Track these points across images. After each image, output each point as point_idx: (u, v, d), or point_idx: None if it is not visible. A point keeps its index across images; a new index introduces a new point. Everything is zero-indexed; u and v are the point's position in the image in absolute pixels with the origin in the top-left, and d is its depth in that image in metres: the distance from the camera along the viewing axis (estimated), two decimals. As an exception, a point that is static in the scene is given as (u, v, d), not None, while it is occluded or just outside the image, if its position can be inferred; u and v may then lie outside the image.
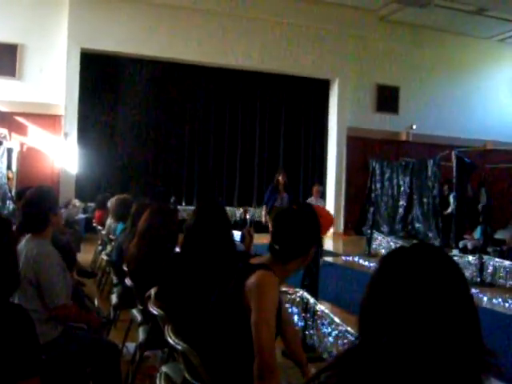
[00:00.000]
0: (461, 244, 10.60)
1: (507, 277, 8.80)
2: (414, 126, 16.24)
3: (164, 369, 2.79)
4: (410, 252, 1.32)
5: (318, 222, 2.46)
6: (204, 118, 15.18)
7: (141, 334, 3.75)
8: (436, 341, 1.21)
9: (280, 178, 9.75)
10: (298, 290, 4.97)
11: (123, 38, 13.51)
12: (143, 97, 14.36)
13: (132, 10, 13.63)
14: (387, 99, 16.24)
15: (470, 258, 9.37)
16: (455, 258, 9.45)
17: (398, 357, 1.21)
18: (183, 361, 2.49)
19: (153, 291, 3.25)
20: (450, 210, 12.43)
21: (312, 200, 10.15)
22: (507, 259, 9.31)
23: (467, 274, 9.37)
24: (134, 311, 4.07)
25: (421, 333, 1.21)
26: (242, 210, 14.55)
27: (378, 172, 15.31)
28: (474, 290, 8.68)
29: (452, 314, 1.23)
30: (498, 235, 11.72)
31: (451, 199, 12.44)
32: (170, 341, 2.57)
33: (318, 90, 16.10)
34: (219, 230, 3.09)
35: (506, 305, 7.87)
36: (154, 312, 3.06)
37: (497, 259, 9.24)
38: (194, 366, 2.35)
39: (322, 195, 15.14)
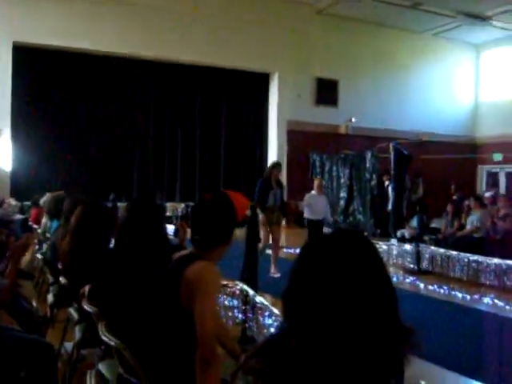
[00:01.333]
0: (399, 233, 10.85)
1: (443, 264, 9.08)
2: (353, 119, 16.51)
3: (98, 366, 2.75)
4: (328, 238, 1.34)
5: (233, 209, 2.49)
6: (144, 112, 14.99)
7: (77, 333, 3.68)
8: (354, 322, 1.23)
9: (275, 172, 8.88)
10: (237, 282, 4.98)
11: (56, 31, 13.17)
12: (79, 91, 14.05)
13: (63, 3, 13.30)
14: (326, 92, 16.44)
15: (408, 246, 9.62)
16: (393, 247, 9.69)
17: (317, 340, 1.23)
18: (117, 357, 2.46)
19: (87, 288, 3.20)
20: (388, 200, 12.70)
21: (313, 194, 9.47)
22: (442, 247, 9.60)
23: (405, 262, 9.63)
24: (71, 310, 3.99)
25: (339, 315, 1.23)
26: (183, 205, 14.45)
27: (318, 165, 15.50)
28: (411, 278, 8.93)
29: (369, 296, 1.26)
30: (434, 224, 12.07)
31: (390, 190, 12.71)
32: (103, 338, 2.53)
33: (258, 83, 16.16)
34: (151, 224, 3.06)
35: (442, 291, 8.12)
36: (88, 309, 3.01)
37: (433, 247, 9.52)
38: (128, 362, 2.32)
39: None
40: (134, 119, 14.86)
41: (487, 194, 13.13)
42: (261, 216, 8.29)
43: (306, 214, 9.44)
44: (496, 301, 7.55)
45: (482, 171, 18.58)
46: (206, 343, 2.15)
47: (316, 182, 9.67)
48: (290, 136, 15.88)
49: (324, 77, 16.48)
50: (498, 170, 18.08)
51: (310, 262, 1.29)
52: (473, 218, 10.25)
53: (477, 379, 4.73)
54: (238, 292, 5.01)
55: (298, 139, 15.74)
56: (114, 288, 2.98)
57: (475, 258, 8.56)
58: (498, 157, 17.06)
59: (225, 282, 5.15)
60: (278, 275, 8.34)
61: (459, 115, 18.59)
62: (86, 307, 3.03)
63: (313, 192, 9.58)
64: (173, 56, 14.57)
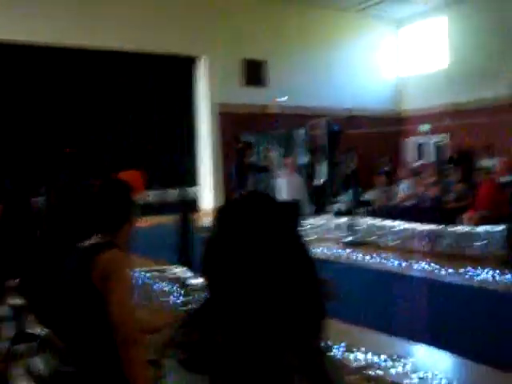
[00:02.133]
0: (334, 207, 11.06)
1: (377, 234, 9.32)
2: (283, 99, 16.59)
3: (33, 361, 2.71)
4: (239, 203, 1.33)
5: (124, 188, 2.57)
6: (67, 101, 14.54)
7: (10, 330, 3.59)
8: (272, 290, 1.24)
9: (247, 155, 7.85)
10: (173, 266, 4.96)
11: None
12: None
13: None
14: (255, 73, 16.44)
15: (343, 219, 9.82)
16: (329, 221, 9.86)
17: (239, 308, 1.23)
18: (49, 349, 2.43)
19: (12, 283, 3.12)
20: (321, 176, 12.90)
21: (284, 174, 8.80)
22: (375, 218, 9.86)
23: (341, 234, 9.83)
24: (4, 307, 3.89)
25: (256, 283, 1.23)
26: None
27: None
28: (348, 250, 9.13)
29: (285, 263, 1.26)
30: (368, 196, 12.36)
31: (321, 166, 12.92)
32: (33, 330, 2.50)
33: (185, 67, 15.96)
34: (71, 212, 3.02)
35: (377, 260, 8.35)
36: (17, 304, 2.94)
37: (367, 218, 9.76)
38: (58, 351, 2.30)
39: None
40: (57, 109, 14.40)
41: (416, 164, 13.55)
42: None
43: (279, 196, 8.79)
44: (428, 265, 7.84)
45: (411, 142, 19.08)
46: (122, 326, 2.21)
47: (287, 161, 9.10)
48: (222, 118, 15.81)
49: (252, 58, 16.46)
50: (426, 140, 18.61)
51: (223, 229, 1.28)
52: (403, 187, 10.56)
53: (410, 339, 4.91)
54: (174, 276, 5.00)
55: (229, 121, 15.70)
56: (43, 280, 2.93)
57: (407, 225, 8.83)
58: (425, 128, 17.59)
59: (160, 267, 5.12)
60: None
61: (385, 89, 18.96)
62: (15, 301, 2.96)
63: (284, 172, 8.91)
64: (95, 43, 14.19)
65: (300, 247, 1.30)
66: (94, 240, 2.43)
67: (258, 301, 1.22)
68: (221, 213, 1.32)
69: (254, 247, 1.23)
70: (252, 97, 16.22)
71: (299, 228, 1.69)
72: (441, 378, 3.90)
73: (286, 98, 16.45)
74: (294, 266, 1.26)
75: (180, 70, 15.94)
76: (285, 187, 8.48)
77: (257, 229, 1.25)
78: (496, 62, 15.72)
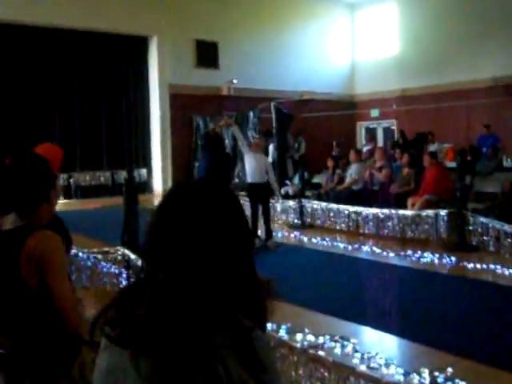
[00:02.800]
0: (282, 191, 11.10)
1: (325, 217, 9.41)
2: (235, 81, 16.50)
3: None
4: (187, 187, 1.33)
5: (41, 164, 2.34)
6: (18, 80, 14.09)
7: None
8: (210, 274, 1.22)
9: (220, 125, 7.11)
10: (118, 247, 4.88)
11: None
12: None
13: None
14: (207, 55, 16.27)
15: (291, 202, 9.87)
16: (277, 204, 9.88)
17: (174, 288, 1.21)
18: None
19: None
20: (270, 159, 12.92)
21: (249, 154, 8.37)
22: (324, 201, 9.95)
23: (289, 217, 9.88)
24: None
25: (195, 264, 1.22)
26: (65, 175, 13.88)
27: (202, 127, 15.43)
28: (296, 233, 9.19)
29: (226, 246, 1.25)
30: (316, 180, 12.47)
31: (271, 149, 12.94)
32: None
33: (137, 47, 15.66)
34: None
35: (324, 243, 8.44)
36: None
37: (314, 202, 9.83)
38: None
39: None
40: (7, 87, 13.94)
41: (365, 149, 13.72)
42: None
43: (246, 177, 8.60)
44: (374, 248, 7.97)
45: (361, 127, 19.33)
46: (70, 315, 2.17)
47: (256, 141, 8.77)
48: (173, 100, 15.62)
49: (204, 39, 16.29)
50: (376, 125, 18.89)
51: (166, 212, 1.27)
52: (351, 171, 10.68)
53: (356, 321, 4.99)
54: (119, 257, 4.92)
55: (181, 103, 15.53)
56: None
57: (354, 209, 8.94)
58: (375, 113, 17.85)
59: (106, 249, 5.04)
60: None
61: (337, 74, 19.09)
62: None
63: (250, 152, 8.51)
64: (45, 20, 13.75)
65: (240, 232, 1.29)
66: (11, 222, 2.28)
67: (190, 278, 1.20)
68: (166, 196, 1.32)
69: (192, 229, 1.22)
70: (204, 78, 16.07)
71: (242, 213, 1.64)
72: (382, 358, 3.96)
73: (237, 80, 16.38)
74: (231, 248, 1.25)
75: (131, 50, 15.64)
76: (253, 167, 8.24)
77: (198, 212, 1.24)
78: (444, 49, 16.02)
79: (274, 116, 12.22)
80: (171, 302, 1.20)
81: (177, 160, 15.50)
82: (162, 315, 1.20)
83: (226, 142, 14.53)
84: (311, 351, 3.76)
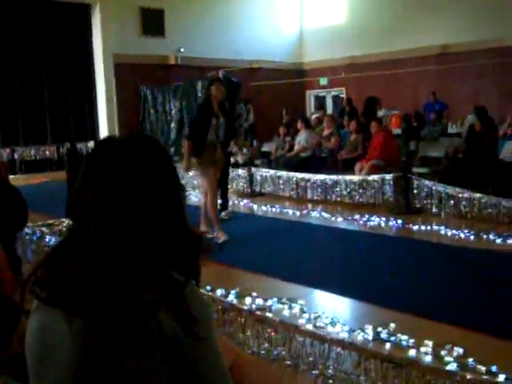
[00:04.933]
0: (232, 159, 11.07)
1: (274, 185, 9.46)
2: (182, 49, 16.24)
3: None
4: (113, 139, 1.33)
5: None
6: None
7: None
8: (139, 226, 1.22)
9: (215, 91, 6.52)
10: (63, 219, 4.80)
11: None
12: None
13: None
14: (152, 22, 15.92)
15: (240, 171, 9.88)
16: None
17: (104, 244, 1.20)
18: None
19: None
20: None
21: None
22: (273, 169, 10.00)
23: (238, 186, 9.91)
24: None
25: (123, 217, 1.21)
26: (8, 149, 13.47)
27: (149, 98, 15.19)
28: (245, 201, 9.23)
29: (156, 200, 1.24)
30: (266, 148, 12.49)
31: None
32: None
33: (79, 16, 15.17)
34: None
35: (274, 210, 8.52)
36: None
37: (264, 170, 9.87)
38: None
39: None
40: None
41: (314, 116, 13.80)
42: (194, 161, 6.51)
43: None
44: (323, 213, 8.10)
45: (310, 95, 19.40)
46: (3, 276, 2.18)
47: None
48: (118, 69, 15.27)
49: (149, 6, 15.92)
50: (325, 93, 18.98)
51: (96, 162, 1.26)
52: (300, 138, 10.74)
53: (304, 284, 5.07)
54: (64, 229, 4.85)
55: (127, 72, 15.21)
56: None
57: (302, 175, 9.02)
58: (324, 81, 17.91)
59: (50, 221, 4.95)
60: (223, 239, 6.49)
61: (286, 42, 19.01)
62: None
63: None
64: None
65: (168, 184, 1.29)
66: None
67: (119, 231, 1.20)
68: (94, 148, 1.31)
69: (119, 180, 1.22)
70: (150, 47, 15.76)
71: (170, 166, 1.62)
72: (328, 317, 4.05)
73: (184, 49, 16.14)
74: (159, 200, 1.25)
75: (73, 18, 15.12)
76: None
77: (125, 162, 1.24)
78: (393, 17, 16.12)
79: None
80: (101, 258, 1.20)
81: (124, 131, 15.24)
82: (91, 271, 1.19)
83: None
84: (258, 313, 3.82)
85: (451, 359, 3.29)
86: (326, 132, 10.73)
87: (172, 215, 1.28)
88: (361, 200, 8.41)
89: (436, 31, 14.98)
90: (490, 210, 7.28)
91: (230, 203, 8.79)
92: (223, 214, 7.88)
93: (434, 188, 7.73)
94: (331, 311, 4.29)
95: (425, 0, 15.28)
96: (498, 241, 6.34)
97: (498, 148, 8.41)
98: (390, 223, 7.39)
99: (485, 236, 6.53)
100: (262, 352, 3.62)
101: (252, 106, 14.17)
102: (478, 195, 7.40)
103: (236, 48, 17.11)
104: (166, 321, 1.16)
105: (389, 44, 15.86)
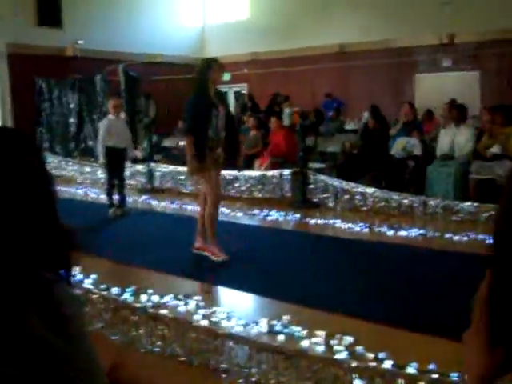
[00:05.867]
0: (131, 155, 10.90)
1: (173, 181, 9.39)
2: (81, 41, 15.75)
3: None
4: None
5: None
6: None
7: None
8: (4, 225, 1.17)
9: (215, 74, 5.52)
10: None
11: None
12: None
13: None
14: (49, 13, 15.30)
15: (140, 166, 9.73)
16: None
17: None
18: None
19: None
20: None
21: (111, 118, 7.71)
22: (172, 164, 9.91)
23: (138, 182, 9.75)
24: None
25: None
26: None
27: (45, 91, 14.60)
28: (144, 196, 9.10)
29: (19, 195, 1.19)
30: (166, 143, 12.37)
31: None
32: None
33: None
34: None
35: (173, 205, 8.46)
36: None
37: (163, 165, 9.77)
38: None
39: None
40: None
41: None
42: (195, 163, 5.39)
43: (107, 142, 7.73)
44: (223, 209, 8.03)
45: (213, 91, 19.35)
46: None
47: (112, 102, 7.96)
48: (12, 60, 14.58)
49: (45, -5, 15.31)
50: (227, 89, 19.01)
51: None
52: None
53: (201, 280, 5.07)
54: None
55: (22, 64, 14.55)
56: None
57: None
58: (226, 76, 17.94)
59: None
60: (222, 257, 5.49)
61: (188, 36, 18.87)
62: None
63: (110, 116, 7.85)
64: None
65: (35, 179, 1.24)
66: None
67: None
68: None
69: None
70: (46, 38, 15.15)
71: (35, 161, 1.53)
72: (223, 312, 4.07)
73: (83, 41, 15.67)
74: (25, 196, 1.20)
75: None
76: (111, 131, 7.68)
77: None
78: (293, 15, 16.40)
79: (122, 79, 11.86)
80: None
81: (19, 126, 14.57)
82: None
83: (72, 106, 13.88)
84: (151, 310, 3.77)
85: (342, 348, 3.40)
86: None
87: (39, 211, 1.23)
88: (260, 195, 8.51)
89: (335, 30, 15.39)
90: (382, 204, 7.59)
91: (130, 199, 8.64)
92: (120, 210, 7.74)
93: (330, 183, 7.96)
94: (227, 306, 4.32)
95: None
96: (390, 233, 6.62)
97: (390, 145, 8.77)
98: (288, 218, 7.54)
99: (377, 229, 6.80)
100: (157, 349, 3.59)
101: (153, 100, 13.98)
102: (371, 190, 7.69)
103: (137, 41, 16.81)
104: (34, 322, 1.11)
105: (290, 41, 16.13)
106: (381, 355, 3.26)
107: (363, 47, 14.78)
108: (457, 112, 8.26)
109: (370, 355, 3.28)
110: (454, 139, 8.07)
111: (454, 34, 13.52)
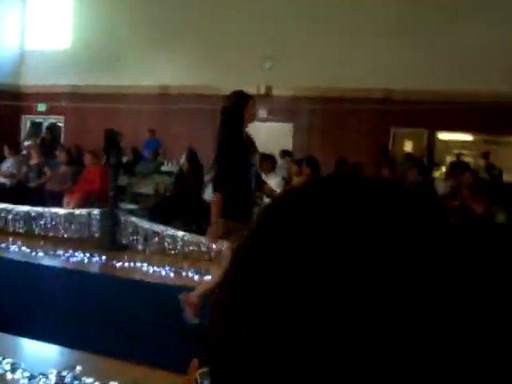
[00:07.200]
0: None
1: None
2: None
3: None
4: None
5: None
6: None
7: None
8: None
9: (251, 111, 4.61)
10: None
11: None
12: None
13: None
14: None
15: None
16: None
17: None
18: None
19: None
20: None
21: None
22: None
23: None
24: None
25: None
26: None
27: None
28: None
29: None
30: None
31: None
32: None
33: None
34: None
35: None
36: None
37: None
38: None
39: None
40: None
41: (26, 143, 13.13)
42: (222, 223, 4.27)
43: None
44: (23, 248, 7.60)
45: (26, 120, 18.33)
46: None
47: None
48: None
49: None
50: (42, 120, 18.17)
51: None
52: (7, 165, 10.02)
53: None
54: None
55: None
56: None
57: (3, 206, 8.41)
58: (42, 107, 17.16)
59: None
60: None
61: (3, 61, 17.76)
62: None
63: None
64: None
65: None
66: None
67: None
68: None
69: None
70: None
71: None
72: (8, 362, 3.77)
73: None
74: None
75: None
76: None
77: None
78: (117, 52, 16.15)
79: None
80: None
81: None
82: None
83: None
84: None
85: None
86: (33, 161, 10.12)
87: None
88: (66, 235, 8.13)
89: (158, 72, 15.42)
90: (191, 248, 7.63)
91: None
92: None
93: (140, 224, 7.85)
94: (14, 355, 4.00)
95: (150, 40, 15.55)
96: (196, 277, 6.65)
97: (202, 189, 8.91)
98: (94, 259, 7.27)
99: (184, 273, 6.81)
100: None
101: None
102: (181, 233, 7.72)
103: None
104: None
105: (112, 77, 15.84)
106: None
107: (185, 90, 14.99)
108: (267, 162, 8.66)
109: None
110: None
111: (272, 86, 14.29)
